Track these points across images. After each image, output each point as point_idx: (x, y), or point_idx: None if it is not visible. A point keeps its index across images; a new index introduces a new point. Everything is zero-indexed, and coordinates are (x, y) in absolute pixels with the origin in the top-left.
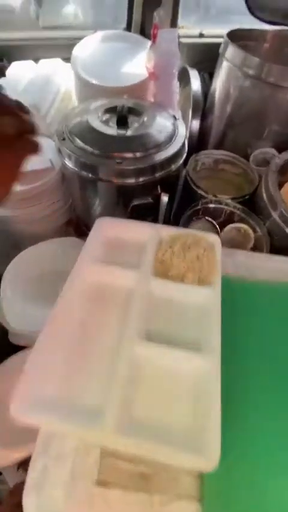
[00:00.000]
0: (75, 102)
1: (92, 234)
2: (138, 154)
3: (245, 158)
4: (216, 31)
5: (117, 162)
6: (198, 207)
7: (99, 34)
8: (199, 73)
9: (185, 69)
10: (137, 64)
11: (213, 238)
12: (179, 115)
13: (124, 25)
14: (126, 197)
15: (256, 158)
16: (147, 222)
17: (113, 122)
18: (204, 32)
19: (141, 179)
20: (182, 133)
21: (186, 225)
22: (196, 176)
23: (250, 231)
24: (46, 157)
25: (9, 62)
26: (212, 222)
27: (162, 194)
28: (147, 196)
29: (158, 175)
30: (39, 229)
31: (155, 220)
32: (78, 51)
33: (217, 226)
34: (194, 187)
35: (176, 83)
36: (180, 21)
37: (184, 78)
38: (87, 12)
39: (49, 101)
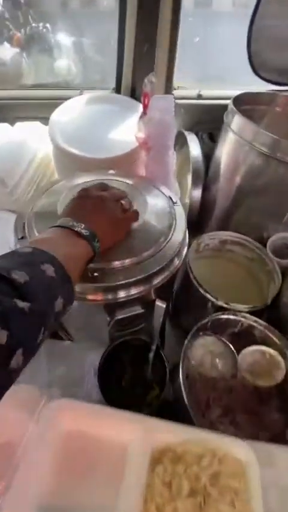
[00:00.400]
0: (54, 169)
1: (39, 435)
2: (127, 262)
3: (260, 242)
4: (216, 92)
5: (93, 275)
6: (206, 321)
7: (84, 97)
8: (197, 134)
9: (182, 133)
10: (126, 130)
11: (245, 456)
12: (176, 191)
13: (113, 85)
14: (109, 309)
15: (274, 244)
16: (128, 413)
17: None
18: (203, 92)
19: (132, 291)
20: (182, 221)
21: (192, 341)
22: (198, 256)
23: (279, 358)
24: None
25: None
26: (225, 342)
27: (157, 301)
28: (136, 304)
29: (154, 283)
30: None
31: (148, 326)
32: (57, 115)
33: (232, 348)
34: (201, 290)
35: (172, 155)
36: (175, 81)
37: (180, 140)
38: (77, 68)
39: (22, 169)
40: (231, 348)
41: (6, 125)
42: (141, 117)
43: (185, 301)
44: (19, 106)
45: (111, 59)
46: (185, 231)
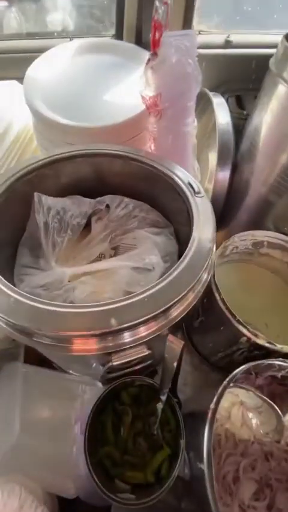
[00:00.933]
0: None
1: None
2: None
3: None
4: (252, 37)
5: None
6: (240, 371)
7: (73, 44)
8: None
9: (204, 93)
10: (130, 89)
11: None
12: (195, 175)
13: (114, 31)
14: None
15: None
16: None
17: None
18: (233, 38)
19: (141, 333)
20: (209, 220)
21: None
22: (221, 262)
23: None
24: None
25: None
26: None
27: (169, 338)
28: (141, 345)
29: (172, 316)
30: None
31: (155, 363)
32: (35, 70)
33: (274, 404)
34: (232, 320)
35: (192, 122)
36: (196, 25)
37: (200, 103)
38: (71, 17)
39: None
40: (271, 403)
41: None
42: (148, 62)
43: (205, 323)
44: None
45: None
46: (214, 234)
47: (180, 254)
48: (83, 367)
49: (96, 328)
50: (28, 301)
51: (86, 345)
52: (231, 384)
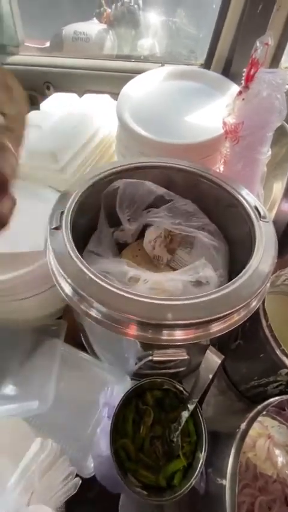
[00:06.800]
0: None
1: None
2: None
3: None
4: None
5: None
6: (275, 400)
7: (165, 69)
8: None
9: (281, 126)
10: (211, 114)
11: None
12: (261, 201)
13: (202, 60)
14: (145, 344)
15: None
16: None
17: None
18: None
19: (177, 336)
20: (271, 246)
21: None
22: (270, 291)
23: None
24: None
25: (56, 91)
26: None
27: (209, 349)
28: (180, 347)
29: (213, 331)
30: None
31: (188, 371)
32: (130, 88)
33: None
34: (277, 350)
35: (266, 152)
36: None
37: (274, 134)
38: (161, 45)
39: (78, 146)
40: None
41: (73, 95)
42: (240, 94)
43: (243, 347)
44: (91, 78)
45: (207, 31)
46: (275, 260)
47: (231, 275)
48: (118, 358)
49: (152, 318)
50: (99, 281)
51: (137, 331)
52: (264, 412)
